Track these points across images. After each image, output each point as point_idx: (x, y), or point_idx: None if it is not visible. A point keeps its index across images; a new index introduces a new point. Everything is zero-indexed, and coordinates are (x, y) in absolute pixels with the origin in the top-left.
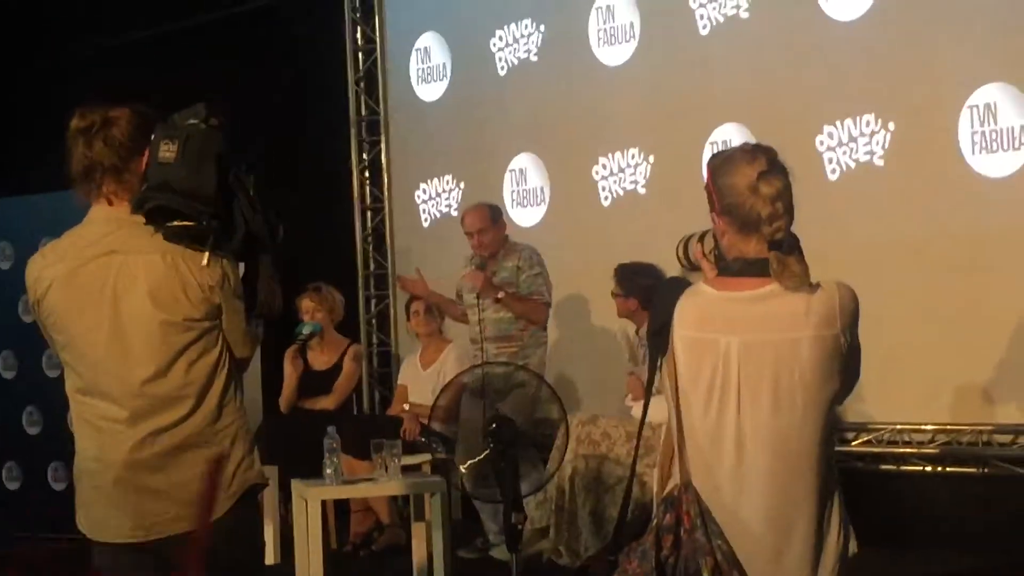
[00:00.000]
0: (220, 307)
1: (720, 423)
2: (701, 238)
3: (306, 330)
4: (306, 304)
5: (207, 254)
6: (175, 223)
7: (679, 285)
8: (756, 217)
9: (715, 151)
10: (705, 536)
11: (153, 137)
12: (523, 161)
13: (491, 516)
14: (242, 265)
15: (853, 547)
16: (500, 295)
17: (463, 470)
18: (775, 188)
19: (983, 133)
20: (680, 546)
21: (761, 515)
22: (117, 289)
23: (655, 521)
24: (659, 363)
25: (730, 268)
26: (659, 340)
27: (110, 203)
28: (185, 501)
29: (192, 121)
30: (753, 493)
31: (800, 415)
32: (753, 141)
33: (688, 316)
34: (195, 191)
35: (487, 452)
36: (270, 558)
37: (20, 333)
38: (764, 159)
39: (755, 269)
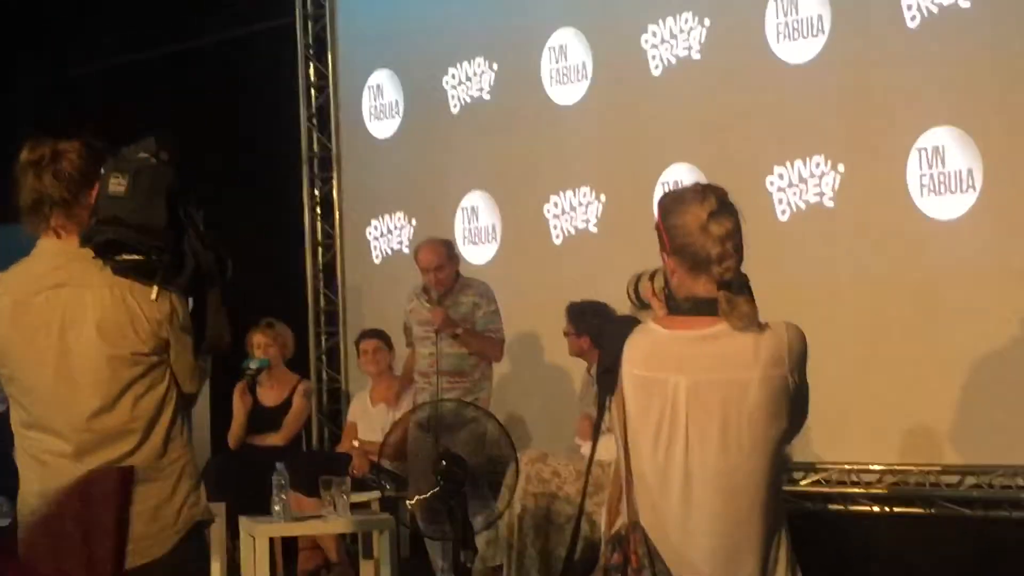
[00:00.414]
0: (168, 342)
1: (668, 462)
2: (652, 277)
3: (253, 365)
4: (257, 339)
5: (156, 288)
6: (124, 257)
7: (629, 323)
8: (706, 257)
9: (666, 190)
10: (653, 574)
11: (103, 170)
12: (475, 199)
13: (440, 554)
14: (190, 300)
15: None
16: (459, 331)
17: (410, 506)
18: (725, 228)
19: (931, 175)
20: None
21: (708, 554)
22: (64, 322)
23: (603, 560)
24: (607, 401)
25: (680, 307)
26: (608, 378)
27: (59, 236)
28: (132, 536)
29: (143, 155)
30: (700, 533)
31: (747, 455)
32: (704, 181)
33: (637, 355)
34: (145, 225)
35: (437, 489)
36: None
37: None
38: (714, 199)
39: (704, 308)
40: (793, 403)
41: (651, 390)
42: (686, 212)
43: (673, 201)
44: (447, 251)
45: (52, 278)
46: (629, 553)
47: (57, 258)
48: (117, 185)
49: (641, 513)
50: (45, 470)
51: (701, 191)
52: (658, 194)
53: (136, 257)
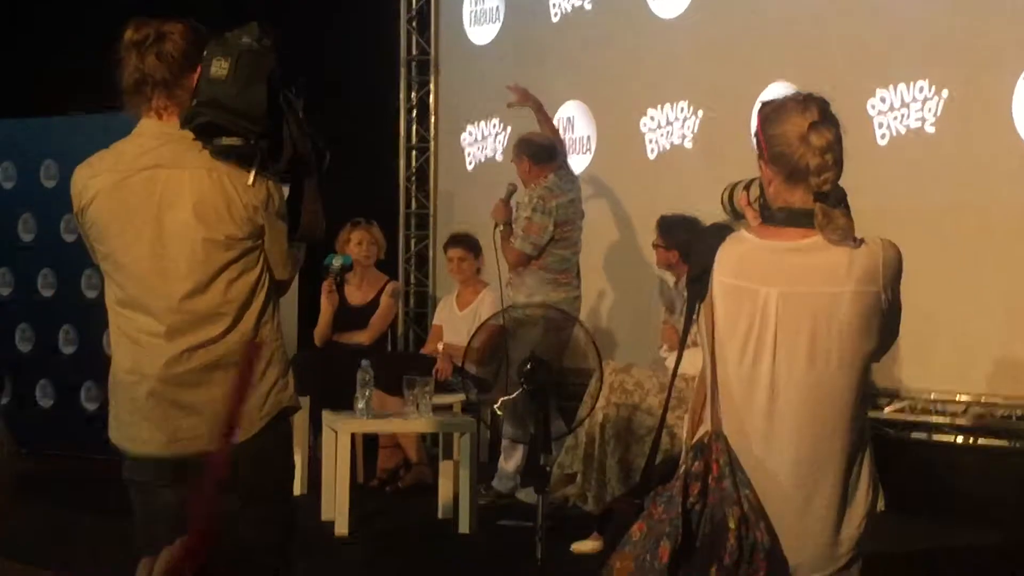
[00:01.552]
0: (263, 227)
1: (754, 373)
2: (747, 186)
3: (336, 262)
4: (357, 236)
5: (253, 173)
6: (223, 140)
7: (721, 232)
8: (804, 167)
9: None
10: (733, 485)
11: (206, 53)
12: (571, 109)
13: (510, 460)
14: (286, 187)
15: (881, 505)
16: (500, 228)
17: (496, 409)
18: (826, 139)
19: None
20: (707, 494)
21: (790, 467)
22: (162, 203)
23: (683, 468)
24: (696, 310)
25: (774, 218)
26: (698, 286)
27: (159, 117)
28: (217, 418)
29: (245, 40)
30: (783, 445)
31: (836, 369)
32: None
33: (728, 263)
34: (245, 109)
35: (520, 392)
36: (297, 487)
37: (61, 252)
38: (816, 109)
39: (800, 220)
40: (884, 321)
41: (741, 299)
42: (786, 121)
43: (774, 110)
44: (514, 147)
45: (151, 158)
46: (710, 461)
47: (157, 139)
48: (219, 68)
49: (725, 422)
50: (138, 348)
51: (803, 100)
52: (756, 112)
53: (235, 141)
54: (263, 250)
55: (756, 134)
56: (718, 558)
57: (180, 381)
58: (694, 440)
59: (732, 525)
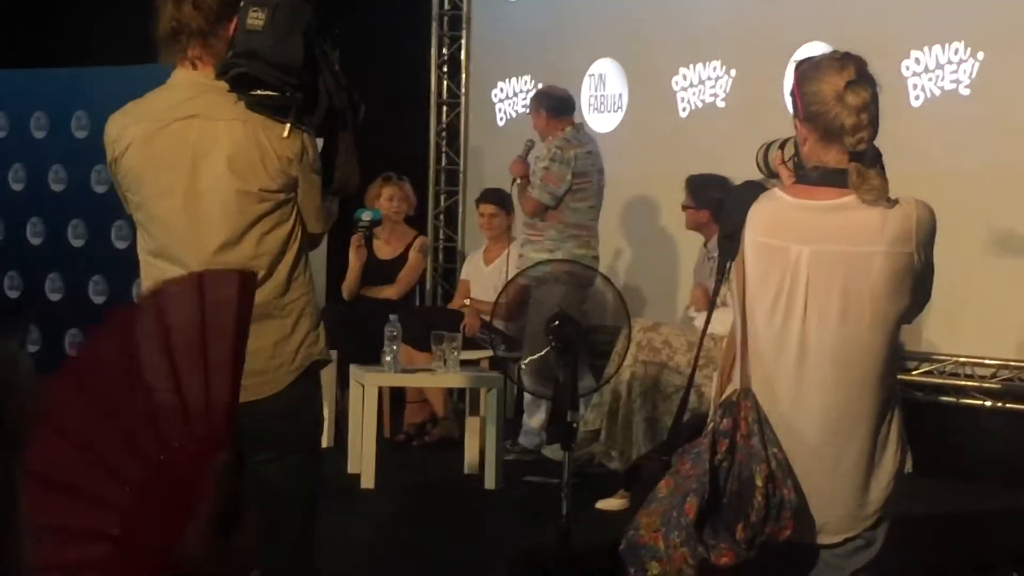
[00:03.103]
0: (296, 180)
1: (784, 332)
2: (782, 145)
3: (366, 216)
4: (381, 192)
5: (288, 126)
6: (259, 92)
7: (755, 189)
8: (840, 126)
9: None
10: (761, 443)
11: (242, 4)
12: (603, 66)
13: (535, 416)
14: (320, 140)
15: (908, 466)
16: (518, 181)
17: (523, 366)
18: (862, 99)
19: None
20: (735, 451)
21: (818, 426)
22: (196, 153)
23: (711, 425)
24: (727, 268)
25: (808, 177)
26: (730, 244)
27: (194, 67)
28: (248, 371)
29: None
30: (811, 404)
31: (867, 328)
32: None
33: (760, 221)
34: (281, 61)
35: (548, 349)
36: (324, 440)
37: (92, 202)
38: (853, 68)
39: (834, 179)
40: (917, 281)
41: (772, 258)
42: (822, 80)
43: (811, 67)
44: (534, 100)
45: (185, 108)
46: (739, 419)
47: (191, 88)
48: (255, 19)
49: (754, 380)
50: None
51: (840, 59)
52: (790, 71)
53: (270, 93)
54: (296, 203)
55: (792, 92)
56: (745, 515)
57: None
58: (723, 398)
59: (760, 483)
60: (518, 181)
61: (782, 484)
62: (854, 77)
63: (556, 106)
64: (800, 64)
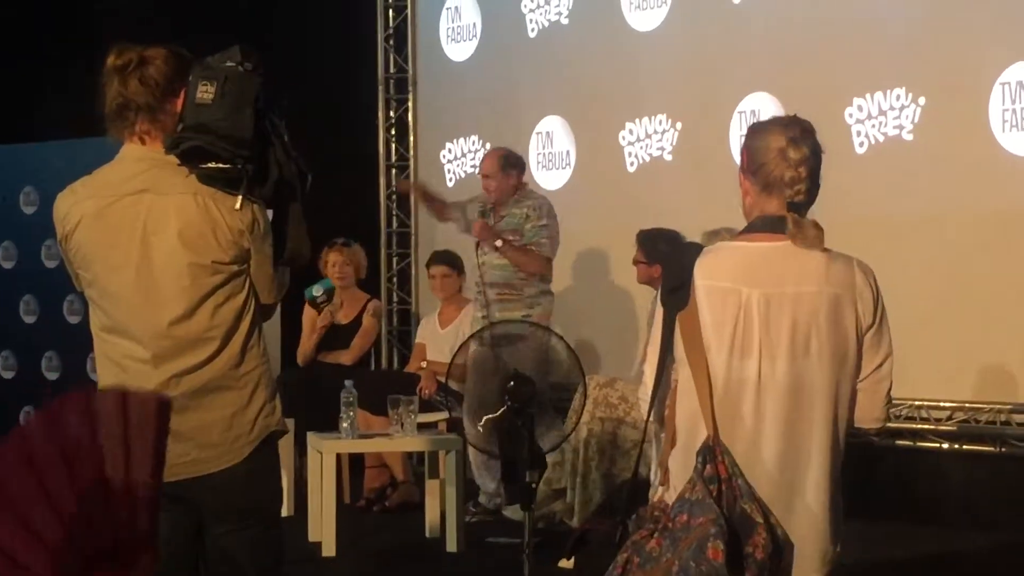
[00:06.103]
0: (249, 252)
1: (742, 373)
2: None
3: (317, 291)
4: (332, 258)
5: (240, 198)
6: (210, 165)
7: (696, 249)
8: (779, 178)
9: (743, 120)
10: (745, 482)
11: (191, 78)
12: (550, 124)
13: (489, 476)
14: (269, 211)
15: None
16: (498, 243)
17: (480, 427)
18: (802, 153)
19: (1014, 110)
20: (722, 496)
21: (776, 458)
22: (147, 228)
23: (695, 473)
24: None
25: (753, 225)
26: (676, 297)
27: (143, 142)
28: (205, 444)
29: (229, 64)
30: (768, 441)
31: (815, 363)
32: (782, 111)
33: (710, 267)
34: (232, 134)
35: (504, 410)
36: (284, 509)
37: (43, 277)
38: (798, 128)
39: (774, 225)
40: (863, 328)
41: (726, 300)
42: (768, 136)
43: (760, 125)
44: (501, 162)
45: (135, 183)
46: (717, 463)
47: (141, 163)
48: (205, 93)
49: (720, 425)
50: (125, 375)
51: (789, 120)
52: (735, 123)
53: (222, 165)
54: (249, 275)
55: (741, 148)
56: (750, 554)
57: None
58: (700, 445)
59: (759, 519)
60: (499, 243)
61: (775, 518)
62: (797, 135)
63: (521, 166)
64: (752, 125)
